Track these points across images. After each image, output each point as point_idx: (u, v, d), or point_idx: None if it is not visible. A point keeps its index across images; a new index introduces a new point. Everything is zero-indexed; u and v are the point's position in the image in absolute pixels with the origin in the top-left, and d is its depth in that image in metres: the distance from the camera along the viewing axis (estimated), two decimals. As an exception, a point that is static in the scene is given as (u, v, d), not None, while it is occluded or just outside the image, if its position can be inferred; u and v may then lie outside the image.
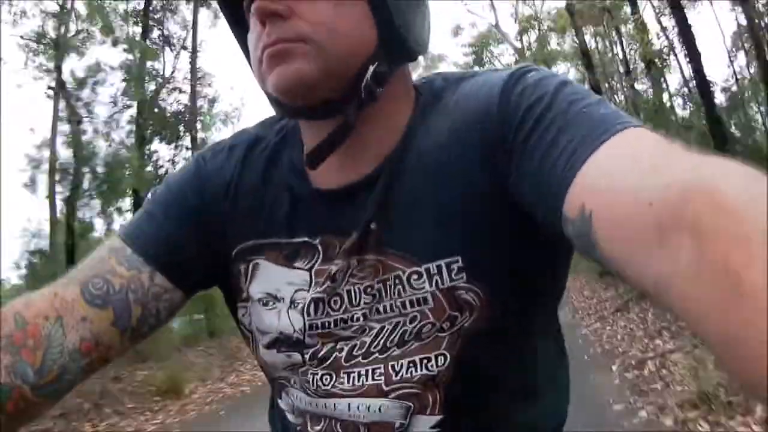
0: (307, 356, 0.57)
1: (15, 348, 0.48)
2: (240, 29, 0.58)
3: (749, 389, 0.27)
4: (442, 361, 0.53)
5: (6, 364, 0.48)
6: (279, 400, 0.62)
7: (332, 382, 0.56)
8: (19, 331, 0.49)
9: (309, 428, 0.58)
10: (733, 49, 16.50)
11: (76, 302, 0.53)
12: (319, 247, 0.56)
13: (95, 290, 0.54)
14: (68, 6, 10.55)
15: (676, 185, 0.34)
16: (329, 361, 0.56)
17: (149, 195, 0.64)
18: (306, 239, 0.57)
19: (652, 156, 0.39)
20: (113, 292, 0.54)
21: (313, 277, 0.56)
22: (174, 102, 12.16)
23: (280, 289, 0.57)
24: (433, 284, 0.52)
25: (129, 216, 9.77)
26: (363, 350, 0.55)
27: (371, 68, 0.52)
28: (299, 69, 0.50)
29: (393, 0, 0.52)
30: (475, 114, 0.52)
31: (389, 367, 0.54)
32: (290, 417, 0.61)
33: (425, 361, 0.53)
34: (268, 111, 0.62)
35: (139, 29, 11.55)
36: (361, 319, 0.55)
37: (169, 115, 11.87)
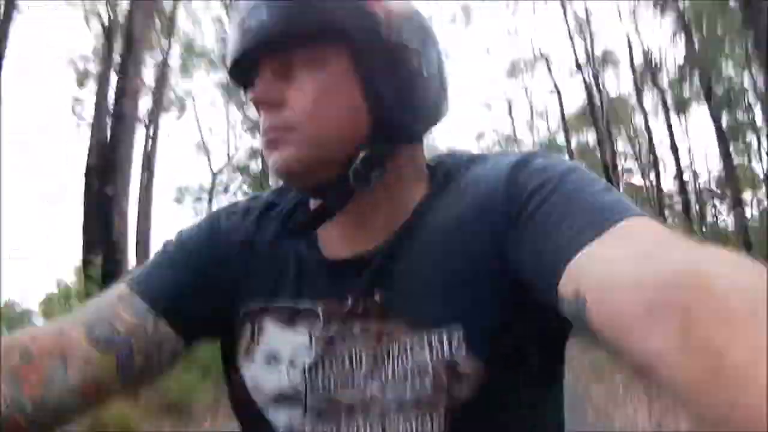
0: (309, 414, 0.58)
1: (18, 381, 0.50)
2: None
3: None
4: (437, 423, 0.54)
5: (6, 394, 0.49)
6: None
7: None
8: (23, 365, 0.51)
9: None
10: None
11: (81, 343, 0.54)
12: (320, 314, 0.58)
13: (99, 333, 0.55)
14: None
15: (668, 271, 0.36)
16: (330, 419, 0.57)
17: (161, 246, 0.66)
18: (308, 305, 0.59)
19: (649, 244, 0.41)
20: (118, 338, 0.55)
21: (313, 340, 0.58)
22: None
23: (281, 350, 0.59)
24: (434, 356, 0.53)
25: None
26: (363, 411, 0.56)
27: (361, 153, 0.54)
28: (287, 158, 0.54)
29: (387, 83, 0.54)
30: (484, 195, 0.55)
31: (386, 426, 0.55)
32: None
33: (421, 420, 0.54)
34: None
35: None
36: (362, 382, 0.56)
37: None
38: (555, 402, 0.63)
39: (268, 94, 0.54)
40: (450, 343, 0.53)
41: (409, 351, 0.54)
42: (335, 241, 0.60)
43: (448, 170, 0.61)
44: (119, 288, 0.60)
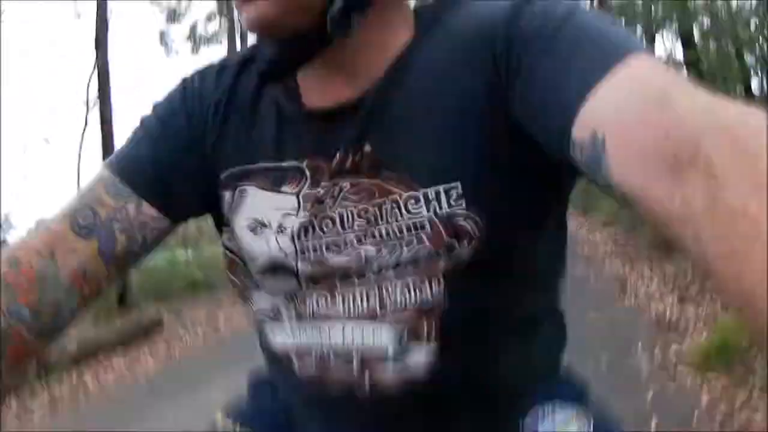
0: (302, 280, 0.56)
1: (10, 288, 0.49)
2: None
3: (757, 331, 0.27)
4: (437, 288, 0.52)
5: (2, 307, 0.48)
6: (267, 336, 0.62)
7: (327, 305, 0.55)
8: (13, 273, 0.50)
9: (300, 362, 0.58)
10: None
11: (66, 234, 0.53)
12: (307, 171, 0.55)
13: (82, 221, 0.54)
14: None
15: (693, 121, 0.33)
16: (324, 283, 0.55)
17: (138, 122, 0.62)
18: (293, 163, 0.55)
19: (664, 85, 0.38)
20: (99, 222, 0.54)
21: (301, 201, 0.55)
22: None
23: (267, 215, 0.56)
24: (431, 210, 0.50)
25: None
26: (358, 273, 0.54)
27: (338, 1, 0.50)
28: (260, 10, 0.49)
29: None
30: (479, 36, 0.50)
31: (383, 290, 0.53)
32: (280, 352, 0.60)
33: (419, 284, 0.52)
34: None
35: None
36: (355, 242, 0.53)
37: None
38: (558, 256, 0.61)
39: None
40: (448, 198, 0.50)
41: (404, 207, 0.51)
42: (317, 90, 0.55)
43: (437, 12, 0.56)
44: (101, 172, 0.58)
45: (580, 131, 0.41)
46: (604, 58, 0.42)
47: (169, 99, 0.62)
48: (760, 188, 0.28)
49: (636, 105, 0.38)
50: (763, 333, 0.26)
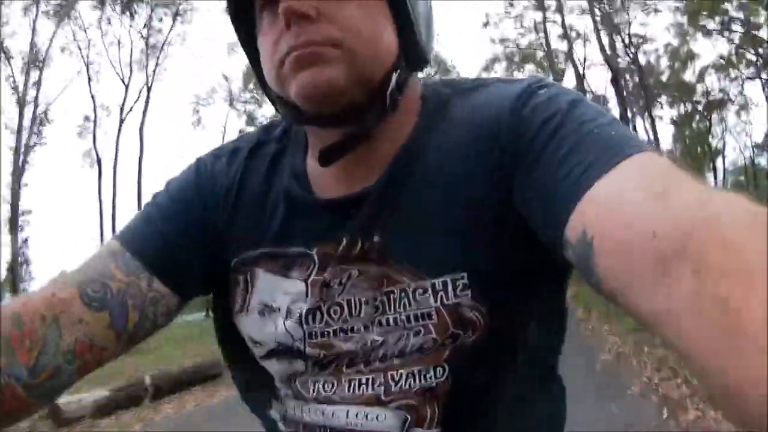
0: (309, 363, 0.56)
1: (11, 348, 0.48)
2: (246, 29, 0.57)
3: (738, 424, 0.27)
4: (441, 373, 0.52)
5: (1, 364, 0.48)
6: (270, 411, 0.62)
7: (333, 389, 0.55)
8: (16, 331, 0.49)
9: None
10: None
11: (74, 304, 0.52)
12: (315, 258, 0.55)
13: (93, 293, 0.53)
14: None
15: (680, 218, 0.34)
16: (331, 368, 0.55)
17: (150, 198, 0.63)
18: (302, 249, 0.56)
19: (658, 184, 0.39)
20: (111, 296, 0.54)
21: (309, 287, 0.56)
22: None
23: (276, 300, 0.57)
24: (438, 300, 0.51)
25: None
26: (364, 359, 0.54)
27: (395, 75, 0.52)
28: (331, 75, 0.49)
29: (411, 8, 0.52)
30: (485, 128, 0.52)
31: (389, 377, 0.54)
32: (281, 426, 0.60)
33: (424, 372, 0.53)
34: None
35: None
36: (362, 330, 0.54)
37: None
38: (557, 335, 0.61)
39: (308, 6, 0.48)
40: (455, 289, 0.51)
41: (412, 296, 0.52)
42: (327, 179, 0.57)
43: (442, 100, 0.57)
44: (111, 245, 0.58)
45: (571, 230, 0.42)
46: (603, 156, 0.43)
47: (183, 178, 0.63)
48: (743, 278, 0.28)
49: (627, 205, 0.38)
50: (742, 419, 0.26)
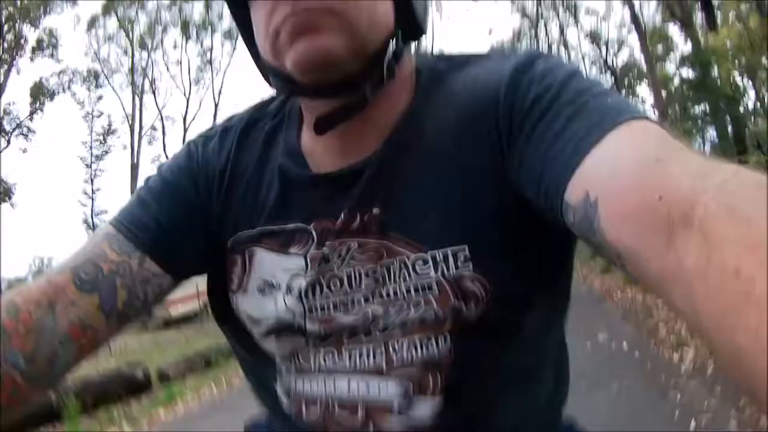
0: (310, 338, 0.56)
1: (6, 336, 0.48)
2: (239, 3, 0.55)
3: (751, 397, 0.27)
4: (443, 343, 0.52)
5: None
6: (274, 383, 0.61)
7: (335, 360, 0.55)
8: (11, 319, 0.49)
9: (305, 412, 0.58)
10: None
11: (68, 287, 0.52)
12: (314, 233, 0.55)
13: (85, 275, 0.53)
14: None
15: (686, 183, 0.33)
16: (332, 340, 0.55)
17: (142, 183, 0.63)
18: (300, 224, 0.56)
19: (658, 149, 0.39)
20: (101, 277, 0.54)
21: (308, 261, 0.55)
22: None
23: (276, 276, 0.57)
24: (439, 272, 0.51)
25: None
26: (364, 329, 0.54)
27: (392, 44, 0.52)
28: (329, 43, 0.48)
29: None
30: (482, 101, 0.52)
31: (390, 347, 0.54)
32: (284, 401, 0.60)
33: (426, 341, 0.53)
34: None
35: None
36: (362, 301, 0.54)
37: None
38: (560, 321, 0.61)
39: None
40: (456, 261, 0.50)
41: (411, 267, 0.52)
42: (323, 154, 0.57)
43: (439, 71, 0.57)
44: (105, 228, 0.58)
45: (573, 194, 0.41)
46: (600, 122, 0.43)
47: (175, 161, 0.63)
48: (753, 248, 0.28)
49: (629, 167, 0.38)
50: (756, 392, 0.26)
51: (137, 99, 26.08)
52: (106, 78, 26.08)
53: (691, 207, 0.32)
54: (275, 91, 0.60)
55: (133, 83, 25.90)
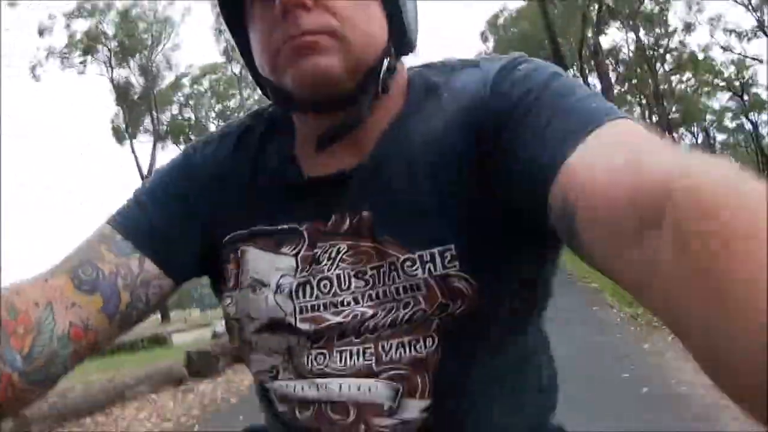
0: (301, 338, 0.57)
1: (5, 335, 0.48)
2: (237, 16, 0.57)
3: (728, 394, 0.27)
4: (431, 344, 0.53)
5: None
6: (267, 391, 0.62)
7: (326, 361, 0.56)
8: (9, 319, 0.49)
9: (298, 415, 0.59)
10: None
11: (66, 288, 0.52)
12: (305, 234, 0.57)
13: (84, 276, 0.54)
14: None
15: (658, 181, 0.33)
16: (322, 341, 0.56)
17: (141, 185, 0.64)
18: (292, 225, 0.57)
19: (636, 148, 0.39)
20: (102, 278, 0.54)
21: (299, 262, 0.57)
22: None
23: (267, 275, 0.58)
24: (426, 271, 0.52)
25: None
26: (355, 331, 0.55)
27: (386, 61, 0.54)
28: (328, 64, 0.51)
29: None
30: (467, 107, 0.53)
31: (379, 347, 0.55)
32: (278, 405, 0.61)
33: (414, 342, 0.54)
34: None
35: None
36: (352, 303, 0.55)
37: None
38: (543, 303, 0.61)
39: None
40: (443, 260, 0.52)
41: (400, 268, 0.53)
42: (315, 159, 0.58)
43: (427, 82, 0.59)
44: (102, 229, 0.58)
45: (553, 196, 0.43)
46: (580, 124, 0.44)
47: (172, 165, 0.65)
48: (722, 243, 0.27)
49: (605, 169, 0.39)
50: (731, 388, 0.26)
51: None
52: None
53: (662, 204, 0.31)
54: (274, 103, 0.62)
55: None
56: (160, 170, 0.65)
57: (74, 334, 0.52)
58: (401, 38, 0.56)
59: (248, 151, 0.62)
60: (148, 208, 0.60)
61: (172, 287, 0.60)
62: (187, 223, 0.60)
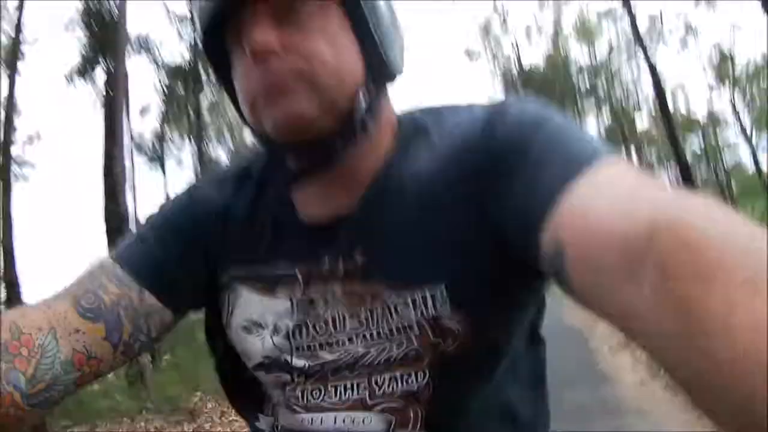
0: (296, 374, 0.58)
1: (9, 356, 0.49)
2: (221, 61, 0.58)
3: (712, 419, 0.28)
4: (422, 377, 0.55)
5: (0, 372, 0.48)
6: (257, 422, 0.63)
7: (321, 396, 0.58)
8: (14, 340, 0.50)
9: None
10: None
11: (69, 315, 0.53)
12: (300, 278, 0.58)
13: (87, 304, 0.54)
14: None
15: (644, 221, 0.34)
16: (317, 376, 0.58)
17: (143, 221, 0.66)
18: (288, 271, 0.58)
19: (624, 189, 0.41)
20: (104, 308, 0.55)
21: (294, 305, 0.58)
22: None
23: (263, 317, 0.59)
24: (419, 313, 0.54)
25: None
26: (348, 366, 0.57)
27: (362, 98, 0.54)
28: (299, 107, 0.51)
29: (375, 25, 0.54)
30: (458, 150, 0.54)
31: (372, 382, 0.56)
32: None
33: (406, 376, 0.55)
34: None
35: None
36: (347, 342, 0.56)
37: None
38: (537, 355, 0.63)
39: (273, 41, 0.50)
40: (434, 301, 0.53)
41: (393, 310, 0.54)
42: (310, 202, 0.59)
43: (418, 122, 0.60)
44: (103, 262, 0.60)
45: (544, 241, 0.43)
46: (570, 167, 0.45)
47: (177, 202, 0.66)
48: (706, 281, 0.28)
49: (593, 212, 0.40)
50: (710, 416, 0.28)
51: None
52: None
53: (648, 244, 0.32)
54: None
55: None
56: (164, 206, 0.66)
57: (77, 361, 0.53)
58: (378, 67, 0.55)
59: (248, 192, 0.63)
60: (150, 243, 0.61)
61: (173, 319, 0.61)
62: (189, 258, 0.62)
